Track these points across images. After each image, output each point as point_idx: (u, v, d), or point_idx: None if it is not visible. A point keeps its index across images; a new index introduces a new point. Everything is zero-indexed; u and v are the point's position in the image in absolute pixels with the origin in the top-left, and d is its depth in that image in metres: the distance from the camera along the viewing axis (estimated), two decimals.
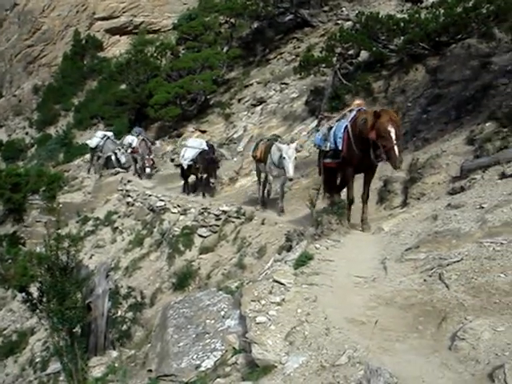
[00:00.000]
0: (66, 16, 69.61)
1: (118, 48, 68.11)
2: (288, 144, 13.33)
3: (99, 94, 55.11)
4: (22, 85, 71.09)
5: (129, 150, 25.02)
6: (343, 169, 10.06)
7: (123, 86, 41.37)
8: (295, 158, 12.97)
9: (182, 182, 21.13)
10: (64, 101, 64.77)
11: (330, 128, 10.27)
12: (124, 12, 70.29)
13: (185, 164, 19.81)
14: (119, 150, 26.88)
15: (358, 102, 10.40)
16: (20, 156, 57.93)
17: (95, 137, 28.59)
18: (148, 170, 24.18)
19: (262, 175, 15.40)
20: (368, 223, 9.38)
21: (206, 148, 19.02)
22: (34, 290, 10.82)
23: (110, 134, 28.65)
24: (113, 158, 26.96)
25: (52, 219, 22.04)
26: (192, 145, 19.88)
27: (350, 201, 9.76)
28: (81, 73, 67.25)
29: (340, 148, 9.64)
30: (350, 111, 9.90)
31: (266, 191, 15.68)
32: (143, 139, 24.43)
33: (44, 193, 12.36)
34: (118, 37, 71.49)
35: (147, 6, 69.81)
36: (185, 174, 20.56)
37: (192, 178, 20.63)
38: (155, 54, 37.09)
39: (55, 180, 12.41)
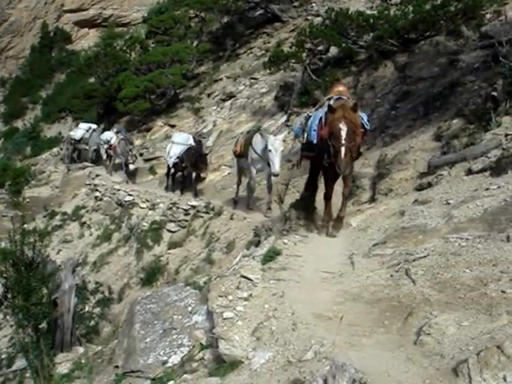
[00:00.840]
0: (33, 7, 68.73)
1: (86, 41, 67.53)
2: (274, 135, 12.55)
3: (67, 87, 54.54)
4: None
5: (105, 146, 23.83)
6: (319, 163, 9.16)
7: (92, 80, 41.02)
8: (282, 150, 11.88)
9: (166, 180, 19.95)
10: (31, 94, 64.07)
11: (309, 118, 9.50)
12: (93, 4, 69.67)
13: (170, 162, 18.69)
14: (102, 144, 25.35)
15: (339, 88, 9.42)
16: None
17: (79, 128, 27.27)
18: (132, 167, 23.01)
19: (244, 173, 14.65)
20: (341, 223, 8.62)
21: (193, 143, 18.03)
22: None
23: (94, 126, 27.42)
24: (102, 151, 25.33)
25: (18, 214, 21.80)
26: (178, 141, 18.67)
27: (327, 197, 8.88)
28: (49, 65, 66.58)
29: (314, 141, 8.82)
30: (329, 99, 8.90)
31: (250, 193, 14.24)
32: (122, 138, 23.05)
33: (10, 187, 12.15)
34: (86, 29, 70.89)
35: None
36: (169, 172, 19.44)
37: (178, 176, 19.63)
38: (124, 48, 36.82)
39: (21, 174, 12.21)
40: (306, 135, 9.33)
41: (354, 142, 8.10)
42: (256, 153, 12.82)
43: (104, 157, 25.18)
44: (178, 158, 18.26)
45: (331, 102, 8.55)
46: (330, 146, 7.93)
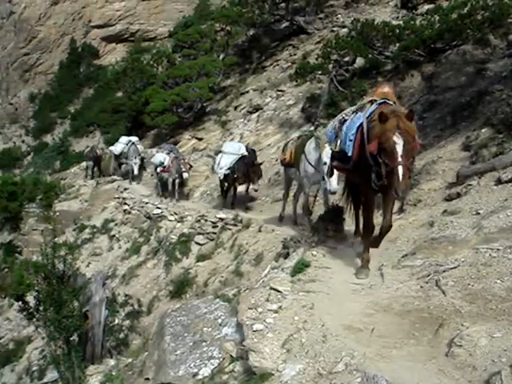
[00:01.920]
0: (62, 24, 69.78)
1: (114, 56, 68.27)
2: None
3: (95, 102, 55.27)
4: (18, 93, 71.18)
5: (159, 169, 21.45)
6: (354, 181, 7.88)
7: (119, 94, 41.51)
8: None
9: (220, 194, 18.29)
10: (60, 109, 64.92)
11: (344, 121, 7.65)
12: (120, 20, 70.51)
13: (220, 174, 16.82)
14: (136, 158, 23.90)
15: (384, 89, 7.42)
16: (16, 164, 58.04)
17: (119, 143, 25.55)
18: (186, 175, 20.96)
19: (294, 184, 13.47)
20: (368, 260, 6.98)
21: (246, 153, 16.52)
22: (30, 298, 10.80)
23: (134, 138, 25.55)
24: (134, 167, 23.97)
25: (48, 227, 22.03)
26: (229, 150, 16.97)
27: (367, 230, 7.28)
28: (77, 81, 67.48)
29: (349, 153, 7.10)
30: (371, 102, 7.17)
31: (297, 205, 13.18)
32: (176, 157, 21.18)
33: (40, 201, 12.33)
34: (114, 45, 71.67)
35: (143, 14, 70.07)
36: (222, 185, 17.72)
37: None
38: (151, 62, 37.22)
39: (51, 188, 12.39)
40: (338, 142, 7.65)
41: (412, 158, 6.74)
42: (310, 164, 11.27)
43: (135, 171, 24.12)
44: (228, 168, 16.55)
45: (374, 107, 6.94)
46: (382, 165, 6.23)
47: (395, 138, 6.06)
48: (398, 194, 6.18)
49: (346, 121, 7.57)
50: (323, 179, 10.76)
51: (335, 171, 8.96)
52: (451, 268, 5.72)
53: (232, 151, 16.73)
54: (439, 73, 15.95)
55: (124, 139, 25.43)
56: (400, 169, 5.98)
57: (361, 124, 6.93)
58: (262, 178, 17.06)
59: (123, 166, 26.24)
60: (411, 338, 4.70)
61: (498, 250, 5.80)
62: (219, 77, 31.00)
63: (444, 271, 5.69)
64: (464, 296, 5.08)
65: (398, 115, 6.25)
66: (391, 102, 7.04)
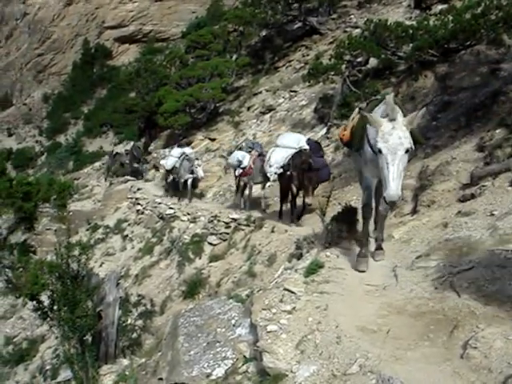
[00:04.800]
0: (75, 25, 70.23)
1: (127, 56, 68.65)
2: (390, 119, 6.18)
3: (109, 102, 55.61)
4: (32, 93, 71.75)
5: (238, 172, 17.28)
6: None
7: (132, 94, 41.64)
8: (407, 151, 6.03)
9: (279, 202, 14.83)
10: (74, 109, 65.41)
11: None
12: (133, 21, 70.84)
13: (271, 173, 13.95)
14: (197, 163, 20.20)
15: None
16: (30, 164, 58.50)
17: (171, 156, 22.00)
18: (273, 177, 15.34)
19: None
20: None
21: (307, 147, 12.74)
22: (44, 298, 10.86)
23: (188, 150, 21.73)
24: (189, 182, 20.55)
25: (62, 227, 22.16)
26: (284, 143, 13.71)
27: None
28: (90, 81, 67.97)
29: None
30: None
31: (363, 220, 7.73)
32: (260, 154, 16.45)
33: (55, 201, 12.41)
34: (127, 45, 72.06)
35: (156, 15, 70.36)
36: (280, 189, 14.32)
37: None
38: (164, 63, 37.38)
39: (66, 188, 12.46)
40: None
41: None
42: (369, 144, 6.99)
43: (189, 187, 20.73)
44: (282, 166, 13.50)
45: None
46: None
47: None
48: None
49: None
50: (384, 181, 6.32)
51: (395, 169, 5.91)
52: (466, 269, 5.69)
53: (288, 144, 13.52)
54: (453, 73, 15.87)
55: (176, 152, 21.87)
56: None
57: None
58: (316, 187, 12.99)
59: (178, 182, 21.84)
60: (426, 340, 4.69)
61: None
62: (232, 77, 31.05)
63: (458, 272, 5.67)
64: (479, 297, 5.06)
65: None
66: None
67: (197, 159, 20.33)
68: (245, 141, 20.32)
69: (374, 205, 7.59)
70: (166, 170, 22.52)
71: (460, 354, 4.32)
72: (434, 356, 4.41)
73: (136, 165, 27.13)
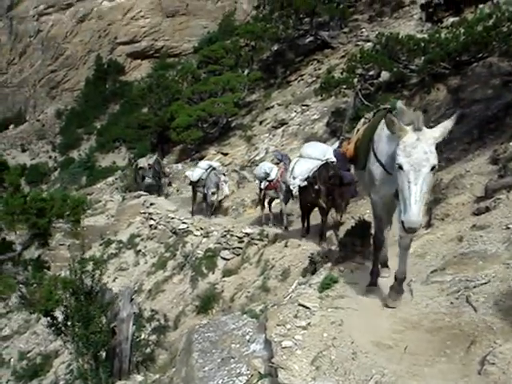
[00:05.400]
0: (88, 41, 70.87)
1: (139, 72, 69.11)
2: (416, 128, 5.25)
3: (121, 118, 55.91)
4: (45, 109, 72.37)
5: (263, 184, 16.39)
6: None
7: (145, 110, 41.87)
8: (431, 169, 5.16)
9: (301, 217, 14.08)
10: (87, 124, 65.85)
11: None
12: (145, 36, 71.38)
13: (294, 185, 12.74)
14: (223, 179, 19.18)
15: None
16: (43, 179, 58.82)
17: (198, 167, 21.27)
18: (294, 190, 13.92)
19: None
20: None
21: (334, 159, 10.45)
22: (58, 313, 10.89)
23: (216, 164, 21.03)
24: (211, 196, 20.18)
25: (76, 242, 22.23)
26: (309, 153, 12.68)
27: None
28: (103, 97, 68.43)
29: None
30: None
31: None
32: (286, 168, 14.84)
33: (68, 217, 12.46)
34: (139, 61, 72.59)
35: (168, 30, 70.84)
36: (301, 204, 13.39)
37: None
38: (176, 78, 37.60)
39: (79, 204, 12.52)
40: None
41: None
42: (379, 162, 6.04)
43: (209, 200, 20.18)
44: (306, 179, 12.42)
45: None
46: None
47: None
48: None
49: None
50: (397, 198, 5.46)
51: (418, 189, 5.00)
52: (482, 284, 5.65)
53: (313, 155, 12.50)
54: (465, 86, 15.85)
55: (203, 164, 21.23)
56: None
57: None
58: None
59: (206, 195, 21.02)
60: (442, 356, 4.64)
61: None
62: (244, 92, 31.16)
63: (474, 287, 5.63)
64: (495, 312, 5.01)
65: None
66: None
67: (224, 174, 19.46)
68: (273, 152, 19.65)
69: (387, 233, 6.89)
70: (191, 182, 21.36)
71: (478, 370, 4.28)
72: (452, 372, 4.36)
73: (157, 179, 26.88)
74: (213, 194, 19.88)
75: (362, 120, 7.58)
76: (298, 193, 12.94)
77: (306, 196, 12.64)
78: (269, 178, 15.96)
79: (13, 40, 72.51)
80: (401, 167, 5.11)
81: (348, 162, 7.88)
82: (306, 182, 12.32)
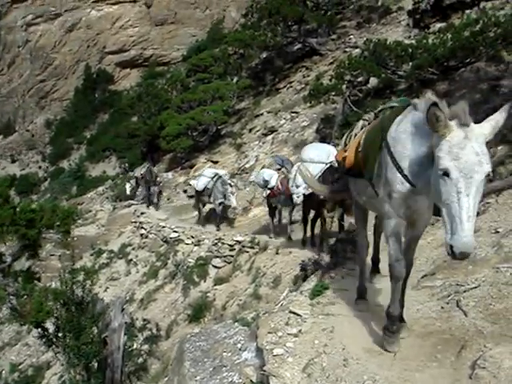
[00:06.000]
0: (76, 51, 70.86)
1: (128, 81, 69.15)
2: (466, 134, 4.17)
3: (111, 127, 55.95)
4: (34, 119, 72.24)
5: (265, 192, 15.85)
6: None
7: (134, 119, 41.90)
8: (487, 174, 4.14)
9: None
10: (76, 134, 65.82)
11: None
12: (134, 45, 71.46)
13: (298, 194, 12.18)
14: (230, 191, 18.09)
15: None
16: (33, 190, 58.71)
17: (203, 176, 19.79)
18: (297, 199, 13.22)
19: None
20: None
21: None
22: (49, 325, 10.83)
23: (222, 172, 19.67)
24: (219, 208, 18.78)
25: (66, 253, 22.15)
26: (311, 157, 11.56)
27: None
28: (92, 106, 68.46)
29: None
30: None
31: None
32: (285, 175, 14.78)
33: (58, 228, 12.42)
34: (128, 70, 72.64)
35: (156, 39, 70.93)
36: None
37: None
38: (166, 87, 37.65)
39: (69, 215, 12.47)
40: None
41: None
42: (400, 171, 4.78)
43: (219, 212, 18.93)
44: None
45: None
46: None
47: None
48: None
49: None
50: (439, 214, 4.40)
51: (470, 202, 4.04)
52: (472, 288, 5.66)
53: (316, 158, 11.41)
54: (453, 91, 15.92)
55: (209, 172, 19.83)
56: None
57: None
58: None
59: (206, 204, 20.40)
60: (433, 361, 4.65)
61: None
62: (233, 100, 31.21)
63: (465, 291, 5.64)
64: (486, 316, 5.03)
65: None
66: None
67: (230, 185, 18.15)
68: (273, 157, 18.24)
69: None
70: (196, 192, 20.04)
71: (468, 374, 4.28)
72: (443, 377, 4.37)
73: (147, 188, 26.10)
74: (220, 204, 18.55)
75: (361, 123, 6.43)
76: (302, 202, 12.34)
77: (310, 204, 11.99)
78: (269, 186, 15.28)
79: (1, 50, 72.30)
80: (446, 173, 4.05)
81: (345, 172, 6.34)
82: (310, 190, 11.06)
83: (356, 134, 6.26)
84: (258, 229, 17.15)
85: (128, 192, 28.30)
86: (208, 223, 19.41)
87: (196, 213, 21.42)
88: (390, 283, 5.11)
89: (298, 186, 11.87)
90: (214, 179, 18.63)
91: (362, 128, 6.24)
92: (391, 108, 5.83)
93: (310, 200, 11.80)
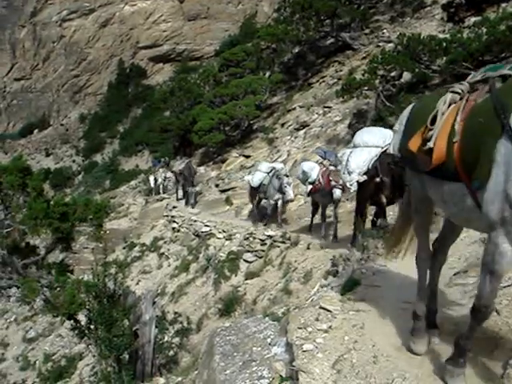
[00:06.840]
0: (110, 46, 71.52)
1: (161, 76, 69.60)
2: None
3: (144, 121, 56.31)
4: (68, 114, 73.20)
5: (307, 188, 14.61)
6: None
7: (167, 113, 42.09)
8: None
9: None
10: (109, 128, 66.45)
11: None
12: (167, 40, 71.87)
13: (351, 181, 10.76)
14: (286, 181, 16.21)
15: None
16: (67, 183, 59.41)
17: (258, 171, 18.36)
18: (338, 194, 13.16)
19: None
20: None
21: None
22: (82, 317, 10.96)
23: (279, 165, 18.04)
24: (279, 203, 17.23)
25: (99, 246, 22.37)
26: (365, 141, 10.68)
27: None
28: (125, 101, 69.04)
29: None
30: None
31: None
32: (332, 165, 13.80)
33: (91, 221, 12.55)
34: (161, 64, 73.12)
35: (189, 34, 71.25)
36: (359, 203, 11.49)
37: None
38: (198, 81, 37.70)
39: (102, 208, 12.58)
40: None
41: None
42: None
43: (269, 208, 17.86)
44: (366, 172, 10.53)
45: None
46: None
47: None
48: None
49: None
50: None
51: None
52: (505, 286, 5.58)
53: (371, 142, 10.50)
54: None
55: (264, 166, 18.34)
56: None
57: None
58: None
59: (262, 201, 19.13)
60: None
61: None
62: (266, 94, 31.20)
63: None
64: None
65: None
66: None
67: (286, 176, 16.47)
68: (315, 150, 17.31)
69: None
70: (251, 188, 18.86)
71: (501, 373, 4.23)
72: (474, 376, 4.31)
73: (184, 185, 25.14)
74: (276, 201, 17.14)
75: (449, 96, 4.14)
76: (356, 190, 10.99)
77: (365, 193, 10.64)
78: (309, 180, 14.05)
79: (36, 46, 73.28)
80: None
81: (427, 171, 4.21)
82: (365, 177, 10.27)
83: (443, 113, 4.09)
84: (300, 228, 16.84)
85: (152, 185, 28.55)
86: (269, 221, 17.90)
87: (227, 207, 21.49)
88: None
89: (350, 173, 10.52)
90: (271, 174, 17.43)
91: (450, 105, 4.13)
92: (503, 78, 3.81)
93: (364, 188, 10.53)
